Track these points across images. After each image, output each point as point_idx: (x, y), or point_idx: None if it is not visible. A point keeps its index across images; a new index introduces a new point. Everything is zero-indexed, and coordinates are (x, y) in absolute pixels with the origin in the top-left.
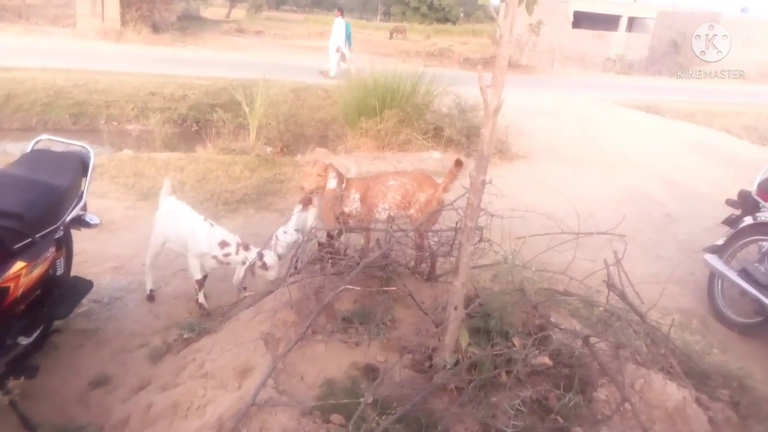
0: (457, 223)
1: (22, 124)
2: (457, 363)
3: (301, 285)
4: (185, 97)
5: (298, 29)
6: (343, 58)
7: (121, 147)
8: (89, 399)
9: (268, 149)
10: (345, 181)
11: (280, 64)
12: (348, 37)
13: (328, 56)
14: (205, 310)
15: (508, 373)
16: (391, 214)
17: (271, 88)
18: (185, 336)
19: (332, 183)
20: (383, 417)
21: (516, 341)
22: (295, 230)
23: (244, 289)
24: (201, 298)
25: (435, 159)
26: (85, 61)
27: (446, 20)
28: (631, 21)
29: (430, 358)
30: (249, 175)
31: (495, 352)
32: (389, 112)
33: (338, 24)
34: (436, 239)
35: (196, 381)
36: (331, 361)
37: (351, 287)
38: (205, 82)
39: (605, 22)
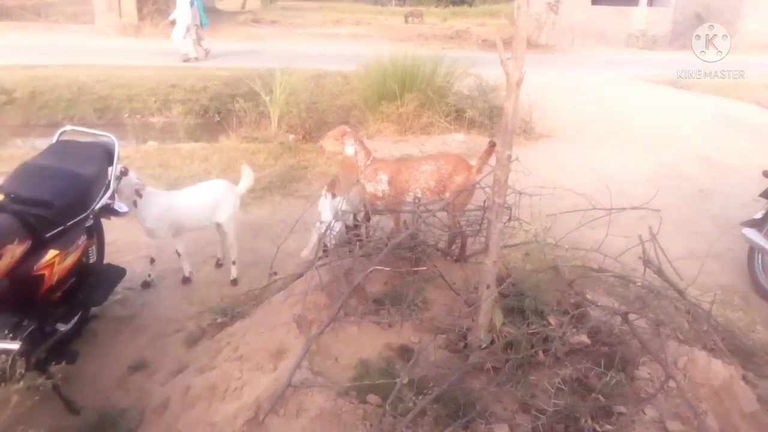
0: (485, 201)
1: (48, 120)
2: (492, 342)
3: (330, 267)
4: (206, 88)
5: (314, 17)
6: (198, 40)
7: (146, 139)
8: (129, 383)
9: (291, 137)
10: (371, 157)
11: (297, 53)
12: (201, 15)
13: (176, 41)
14: None
15: (545, 352)
16: (424, 200)
17: (291, 77)
18: (219, 320)
19: (349, 150)
20: (420, 397)
21: (552, 320)
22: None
23: (275, 273)
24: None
25: (458, 141)
26: (105, 57)
27: (462, 2)
28: None
29: (465, 338)
30: (273, 162)
31: (531, 331)
32: (409, 95)
33: (181, 1)
34: (464, 219)
35: (232, 364)
36: (364, 342)
37: (380, 268)
38: (224, 72)
39: None
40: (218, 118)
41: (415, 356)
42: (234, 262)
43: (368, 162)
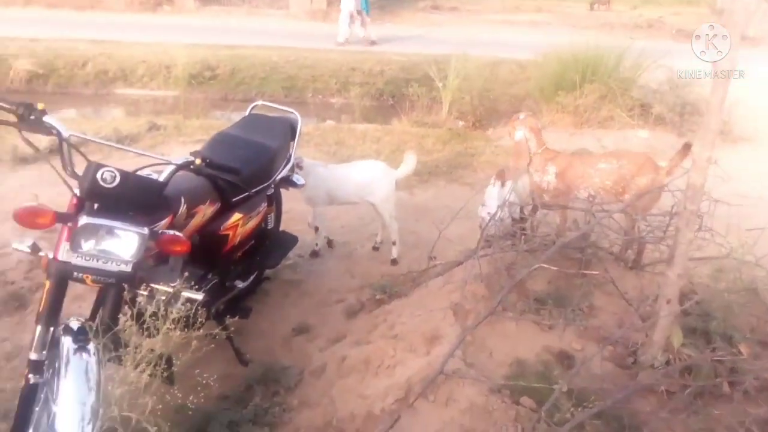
0: (672, 206)
1: (243, 95)
2: (667, 363)
3: (492, 259)
4: (383, 72)
5: (493, 4)
6: (363, 23)
7: (325, 118)
8: (292, 343)
9: (460, 123)
10: (543, 146)
11: (474, 39)
12: (365, 2)
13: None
14: None
15: (731, 384)
16: (597, 199)
17: (465, 63)
18: (377, 297)
19: (518, 134)
20: (579, 409)
21: (743, 348)
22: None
23: (434, 258)
24: None
25: (641, 138)
26: (295, 40)
27: None
28: None
29: (635, 353)
30: (441, 147)
31: (716, 358)
32: (590, 86)
33: None
34: (645, 224)
35: (387, 341)
36: (521, 341)
37: (546, 266)
38: (401, 57)
39: None
40: (392, 102)
41: (578, 366)
42: (394, 243)
43: (539, 150)
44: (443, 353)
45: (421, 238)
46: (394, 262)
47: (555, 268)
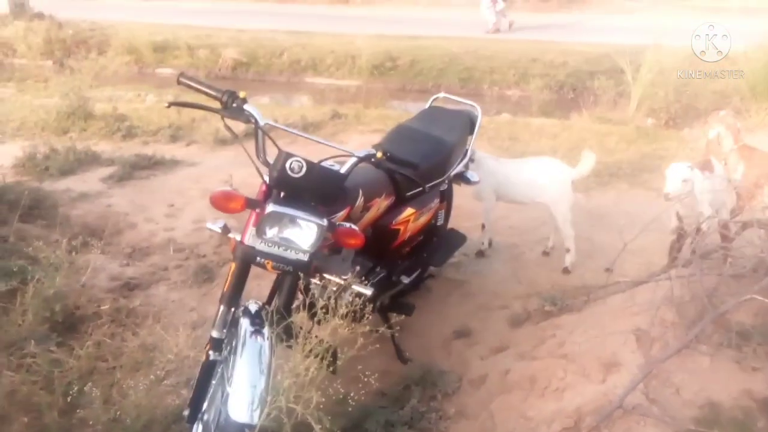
0: None
1: (420, 86)
2: None
3: (686, 281)
4: (565, 63)
5: None
6: (503, 11)
7: (500, 111)
8: (452, 347)
9: (649, 121)
10: (740, 142)
11: (672, 27)
12: None
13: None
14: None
15: None
16: None
17: (661, 55)
18: (546, 308)
19: (711, 133)
20: None
21: None
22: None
23: (610, 270)
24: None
25: None
26: (476, 30)
27: None
28: None
29: None
30: (625, 147)
31: None
32: None
33: None
34: None
35: (556, 360)
36: (717, 380)
37: (759, 297)
38: (585, 48)
39: None
40: (572, 95)
41: None
42: (568, 250)
43: (735, 146)
44: (622, 384)
45: (597, 246)
46: (565, 270)
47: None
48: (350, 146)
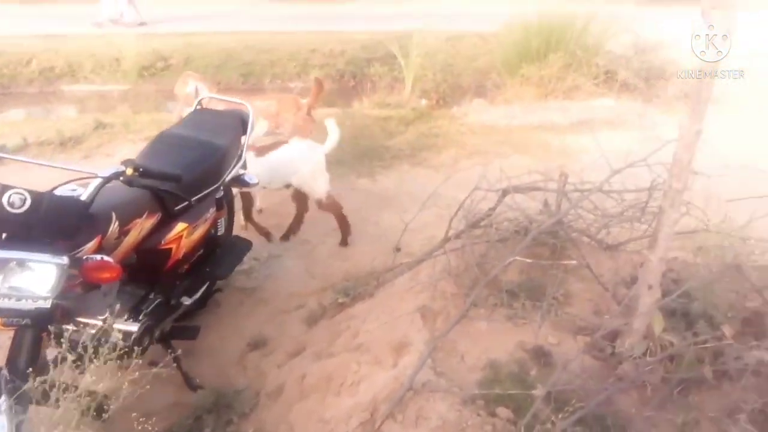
0: (651, 182)
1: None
2: (647, 352)
3: (461, 252)
4: (343, 52)
5: None
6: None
7: None
8: (246, 361)
9: (423, 102)
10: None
11: (435, 13)
12: None
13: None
14: None
15: (716, 370)
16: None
17: (426, 39)
18: (339, 300)
19: (189, 87)
20: (559, 415)
21: (726, 329)
22: None
23: (398, 249)
24: None
25: (606, 107)
26: (255, 23)
27: None
28: None
29: (614, 341)
30: (404, 129)
31: (696, 341)
32: (554, 55)
33: None
34: (620, 200)
35: (350, 354)
36: (494, 340)
37: (521, 259)
38: (363, 36)
39: None
40: (353, 83)
41: (559, 371)
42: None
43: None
44: (412, 364)
45: (385, 229)
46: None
47: (530, 261)
48: (118, 158)
